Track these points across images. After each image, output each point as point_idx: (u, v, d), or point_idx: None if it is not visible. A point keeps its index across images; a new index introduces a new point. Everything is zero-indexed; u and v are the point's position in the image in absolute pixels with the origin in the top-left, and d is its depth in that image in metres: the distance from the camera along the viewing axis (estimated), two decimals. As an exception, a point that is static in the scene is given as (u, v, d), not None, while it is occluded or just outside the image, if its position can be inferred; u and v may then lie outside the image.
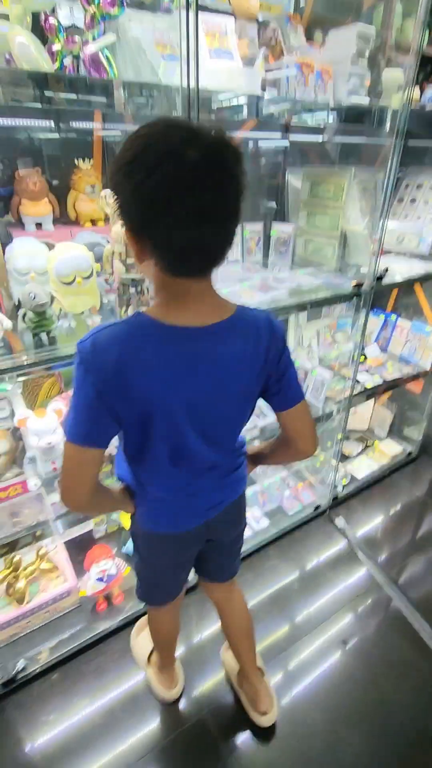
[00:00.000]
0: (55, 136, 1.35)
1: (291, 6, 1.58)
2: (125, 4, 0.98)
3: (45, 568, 1.59)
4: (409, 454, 2.49)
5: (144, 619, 1.59)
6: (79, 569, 1.65)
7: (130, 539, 1.87)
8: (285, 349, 0.82)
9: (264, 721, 1.32)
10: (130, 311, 1.26)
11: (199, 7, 1.29)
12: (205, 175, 0.57)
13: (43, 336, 1.12)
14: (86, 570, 1.61)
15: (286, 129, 1.70)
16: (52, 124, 1.32)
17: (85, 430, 0.72)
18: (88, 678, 1.47)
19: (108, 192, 1.12)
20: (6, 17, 0.97)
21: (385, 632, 1.62)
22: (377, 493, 2.30)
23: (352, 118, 1.40)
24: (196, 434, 0.80)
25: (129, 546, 1.81)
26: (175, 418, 0.75)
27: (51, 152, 1.36)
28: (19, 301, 1.18)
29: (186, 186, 0.57)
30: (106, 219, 1.41)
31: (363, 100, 1.39)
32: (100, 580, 1.59)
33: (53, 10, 1.01)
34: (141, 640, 1.53)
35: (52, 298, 1.12)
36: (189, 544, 1.04)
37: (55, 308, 1.16)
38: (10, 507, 1.33)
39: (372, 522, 2.12)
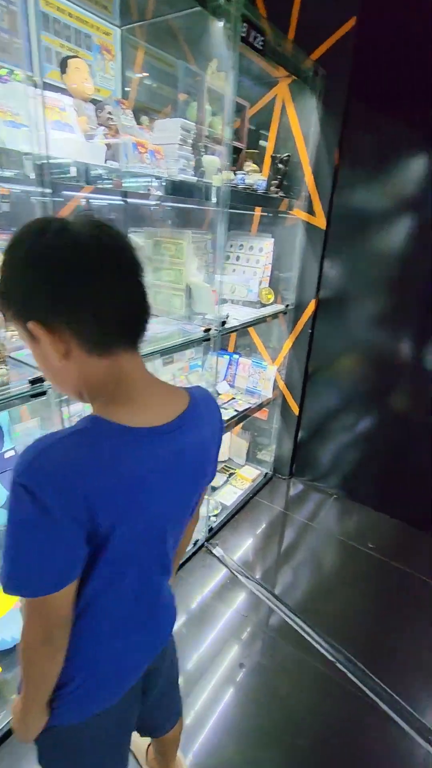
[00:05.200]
0: None
1: (119, 92, 1.78)
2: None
3: None
4: (266, 475, 2.79)
5: None
6: None
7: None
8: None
9: None
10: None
11: (37, 84, 1.37)
12: (107, 239, 0.59)
13: None
14: None
15: (125, 195, 1.86)
16: None
17: (60, 567, 0.59)
18: None
19: None
20: None
21: (275, 643, 1.75)
22: (245, 515, 2.49)
23: (185, 191, 1.64)
24: (166, 545, 0.73)
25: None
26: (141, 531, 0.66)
27: None
28: None
29: (92, 251, 0.58)
30: None
31: (191, 178, 1.64)
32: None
33: None
34: None
35: None
36: (131, 706, 0.86)
37: None
38: None
39: (246, 544, 2.29)
